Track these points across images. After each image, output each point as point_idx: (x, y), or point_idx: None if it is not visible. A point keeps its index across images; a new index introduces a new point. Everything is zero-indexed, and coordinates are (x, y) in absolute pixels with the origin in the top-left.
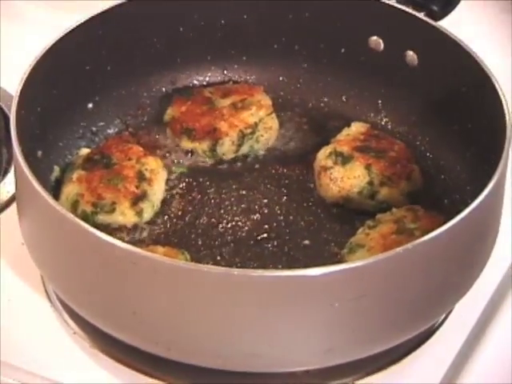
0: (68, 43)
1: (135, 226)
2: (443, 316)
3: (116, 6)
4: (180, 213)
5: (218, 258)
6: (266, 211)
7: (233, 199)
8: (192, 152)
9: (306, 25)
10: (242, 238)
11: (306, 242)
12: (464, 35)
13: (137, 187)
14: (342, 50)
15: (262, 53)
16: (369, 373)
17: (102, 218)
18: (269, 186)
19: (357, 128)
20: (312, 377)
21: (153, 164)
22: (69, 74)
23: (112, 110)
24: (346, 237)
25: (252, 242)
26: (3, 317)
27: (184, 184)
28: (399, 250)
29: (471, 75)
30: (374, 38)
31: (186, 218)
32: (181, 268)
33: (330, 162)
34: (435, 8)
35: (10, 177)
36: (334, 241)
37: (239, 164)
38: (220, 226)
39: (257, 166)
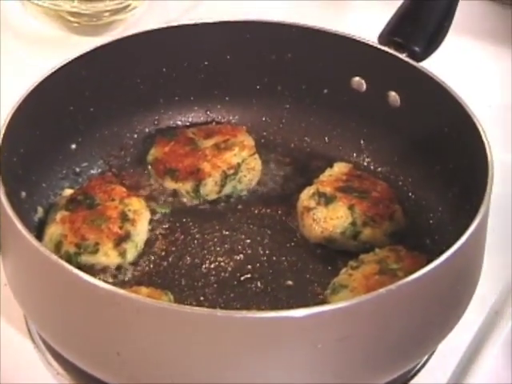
0: (51, 84)
1: (119, 267)
2: (426, 356)
3: (99, 47)
4: (163, 253)
5: (202, 298)
6: (249, 252)
7: (216, 240)
8: (175, 192)
9: (289, 65)
10: (225, 278)
11: (289, 282)
12: (446, 76)
13: (120, 228)
14: (325, 91)
15: (244, 93)
16: None
17: (85, 258)
18: (252, 226)
19: (339, 168)
20: None
21: (136, 204)
22: (52, 115)
23: (95, 151)
24: (329, 277)
25: (235, 283)
26: None
27: (167, 224)
28: (382, 290)
29: (453, 116)
30: (357, 78)
31: (170, 259)
32: (164, 309)
33: (312, 203)
34: (417, 49)
35: None
36: (317, 281)
37: (222, 204)
38: (203, 266)
39: (240, 206)
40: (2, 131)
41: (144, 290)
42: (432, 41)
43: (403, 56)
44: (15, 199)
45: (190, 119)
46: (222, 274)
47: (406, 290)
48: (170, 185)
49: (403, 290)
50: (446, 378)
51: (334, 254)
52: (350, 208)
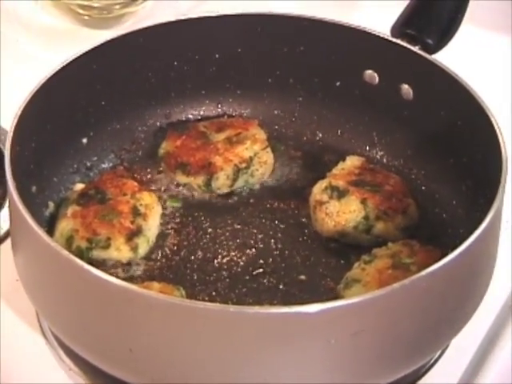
0: (62, 78)
1: (130, 262)
2: (440, 351)
3: (110, 40)
4: (175, 248)
5: (214, 293)
6: (261, 246)
7: (228, 234)
8: (187, 186)
9: (301, 58)
10: (237, 273)
11: (302, 276)
12: (459, 68)
13: (132, 222)
14: (337, 84)
15: (256, 86)
16: None
17: (96, 253)
18: (264, 220)
19: (352, 162)
20: None
21: (147, 199)
22: (63, 110)
23: (106, 145)
24: (342, 271)
25: (247, 277)
26: None
27: (179, 219)
28: (396, 285)
29: (467, 109)
30: (369, 71)
31: (181, 253)
32: (177, 305)
33: (325, 197)
34: (430, 41)
35: (5, 213)
36: (330, 276)
37: (234, 198)
38: (215, 261)
39: (252, 200)
40: (13, 126)
41: (156, 285)
42: (445, 33)
43: (416, 48)
44: (26, 194)
45: (202, 113)
46: (235, 268)
47: (420, 285)
48: (181, 179)
49: (417, 285)
50: (461, 372)
51: (347, 248)
52: (363, 202)
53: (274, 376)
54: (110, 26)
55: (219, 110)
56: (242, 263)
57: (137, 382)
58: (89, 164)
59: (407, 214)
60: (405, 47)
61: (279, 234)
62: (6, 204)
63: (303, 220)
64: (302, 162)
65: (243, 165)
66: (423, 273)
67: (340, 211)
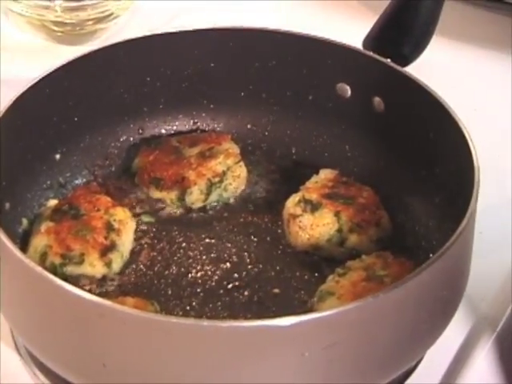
0: (34, 94)
1: (104, 277)
2: (414, 363)
3: (81, 56)
4: (149, 263)
5: (188, 307)
6: (235, 260)
7: (202, 248)
8: (160, 201)
9: (273, 73)
10: (211, 287)
11: (276, 290)
12: (431, 80)
13: (105, 238)
14: (310, 97)
15: (229, 101)
16: None
17: (70, 269)
18: (238, 234)
19: (325, 175)
20: None
21: (121, 214)
22: (35, 126)
23: (79, 161)
24: (316, 284)
25: (222, 292)
26: None
27: (153, 234)
28: (369, 298)
29: (439, 121)
30: (341, 84)
31: (155, 268)
32: (150, 320)
33: (298, 210)
34: (402, 54)
35: None
36: (304, 289)
37: (208, 213)
38: (189, 275)
39: (226, 214)
40: None
41: (130, 300)
42: (417, 45)
43: (388, 61)
44: None
45: (175, 128)
46: (209, 282)
47: (393, 297)
48: (155, 194)
49: (390, 297)
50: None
51: (321, 261)
52: (336, 215)
53: None
54: (83, 41)
55: (192, 124)
56: (216, 277)
57: None
58: (62, 180)
59: (380, 226)
60: (376, 60)
61: (253, 248)
62: None
63: (277, 233)
64: (276, 176)
65: (216, 179)
66: (396, 285)
67: (314, 224)
